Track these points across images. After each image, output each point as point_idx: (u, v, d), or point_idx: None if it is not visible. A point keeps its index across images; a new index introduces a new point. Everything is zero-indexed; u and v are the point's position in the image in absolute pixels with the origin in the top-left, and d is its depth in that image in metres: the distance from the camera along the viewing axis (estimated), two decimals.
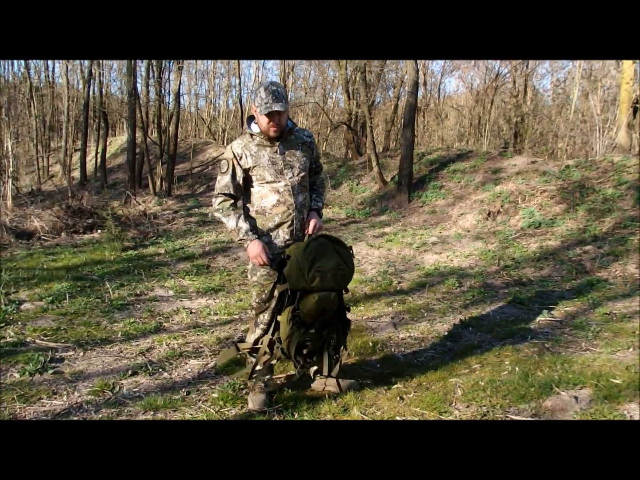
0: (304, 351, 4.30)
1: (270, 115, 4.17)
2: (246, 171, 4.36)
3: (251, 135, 4.38)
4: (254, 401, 4.53)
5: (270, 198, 4.38)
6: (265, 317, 4.58)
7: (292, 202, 4.39)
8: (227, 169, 4.31)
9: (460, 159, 16.17)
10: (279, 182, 4.35)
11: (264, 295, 4.53)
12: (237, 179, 4.35)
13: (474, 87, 25.97)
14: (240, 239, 4.29)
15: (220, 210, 4.34)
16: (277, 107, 4.11)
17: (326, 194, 4.85)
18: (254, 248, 4.26)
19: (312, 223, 4.48)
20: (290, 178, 4.37)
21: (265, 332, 4.57)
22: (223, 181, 4.34)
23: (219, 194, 4.38)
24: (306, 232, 4.48)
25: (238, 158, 4.32)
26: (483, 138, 22.85)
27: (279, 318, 4.43)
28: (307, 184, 4.57)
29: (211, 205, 4.65)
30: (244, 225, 4.28)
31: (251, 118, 4.46)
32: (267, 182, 4.35)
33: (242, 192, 4.46)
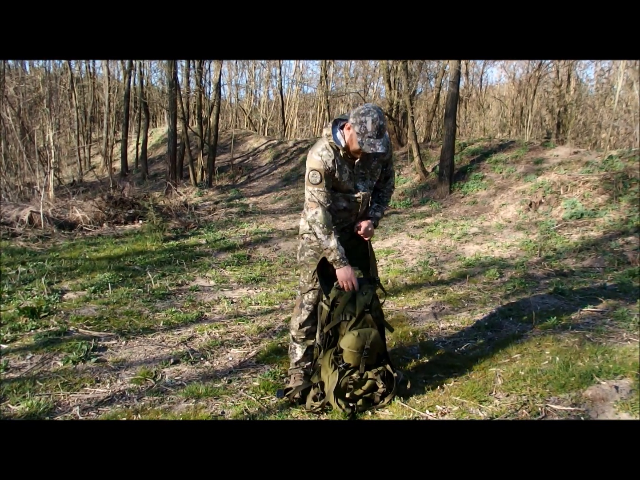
0: (347, 395, 4.26)
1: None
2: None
3: (337, 148, 4.24)
4: (295, 389, 4.53)
5: (339, 203, 4.39)
6: (309, 297, 4.59)
7: (358, 211, 4.45)
8: (321, 181, 4.19)
9: (502, 149, 16.03)
10: (354, 194, 4.36)
11: (308, 275, 4.56)
12: (328, 190, 4.26)
13: (516, 77, 25.69)
14: (334, 260, 4.25)
15: (321, 225, 4.21)
16: (380, 149, 4.00)
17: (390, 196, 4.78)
18: (346, 272, 4.26)
19: (363, 225, 4.46)
20: (363, 191, 4.38)
21: (311, 313, 4.59)
22: (322, 193, 4.22)
23: (320, 204, 4.23)
24: (355, 231, 4.49)
25: (330, 172, 4.20)
26: (525, 128, 22.57)
27: (319, 362, 4.49)
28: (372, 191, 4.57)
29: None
30: (341, 249, 4.24)
31: (335, 123, 4.31)
32: (342, 192, 4.36)
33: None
